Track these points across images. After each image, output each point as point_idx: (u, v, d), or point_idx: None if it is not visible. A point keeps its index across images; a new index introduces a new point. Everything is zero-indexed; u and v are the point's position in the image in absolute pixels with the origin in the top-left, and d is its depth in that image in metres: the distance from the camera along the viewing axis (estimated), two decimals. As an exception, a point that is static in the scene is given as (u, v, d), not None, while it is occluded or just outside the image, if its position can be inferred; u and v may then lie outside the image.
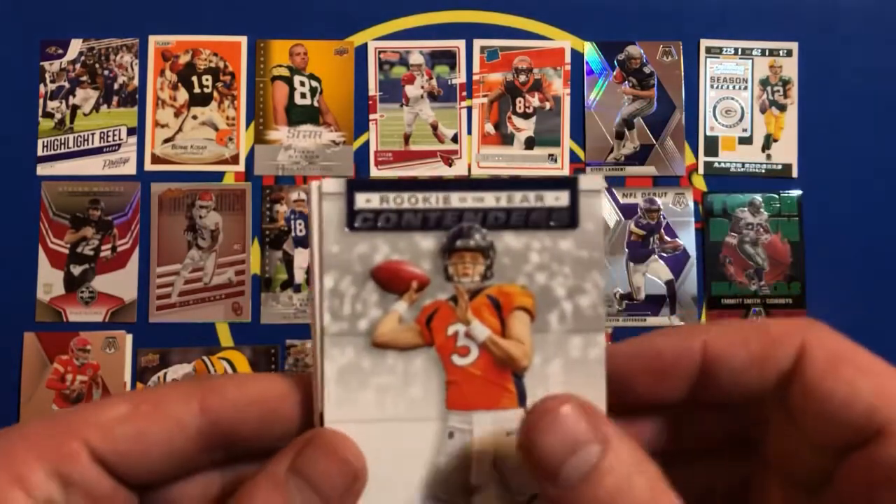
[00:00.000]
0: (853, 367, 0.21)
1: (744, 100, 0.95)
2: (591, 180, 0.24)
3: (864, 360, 0.22)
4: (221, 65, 0.94)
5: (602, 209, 0.24)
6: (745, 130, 0.94)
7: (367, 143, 0.93)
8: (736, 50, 0.95)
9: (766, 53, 0.95)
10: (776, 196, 0.93)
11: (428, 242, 0.23)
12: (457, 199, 0.23)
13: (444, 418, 0.23)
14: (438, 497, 0.23)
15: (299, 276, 0.91)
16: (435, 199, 0.23)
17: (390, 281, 0.23)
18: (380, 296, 0.23)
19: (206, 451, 0.22)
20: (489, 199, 0.23)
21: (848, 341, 0.22)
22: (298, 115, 0.93)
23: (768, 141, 0.94)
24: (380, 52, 0.94)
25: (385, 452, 0.23)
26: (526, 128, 0.94)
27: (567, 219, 0.23)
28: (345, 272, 0.23)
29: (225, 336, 0.90)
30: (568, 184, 0.23)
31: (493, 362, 0.23)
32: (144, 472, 0.21)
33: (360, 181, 0.23)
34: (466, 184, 0.23)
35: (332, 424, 0.22)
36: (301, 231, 0.92)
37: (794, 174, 0.93)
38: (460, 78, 0.94)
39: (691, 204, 0.93)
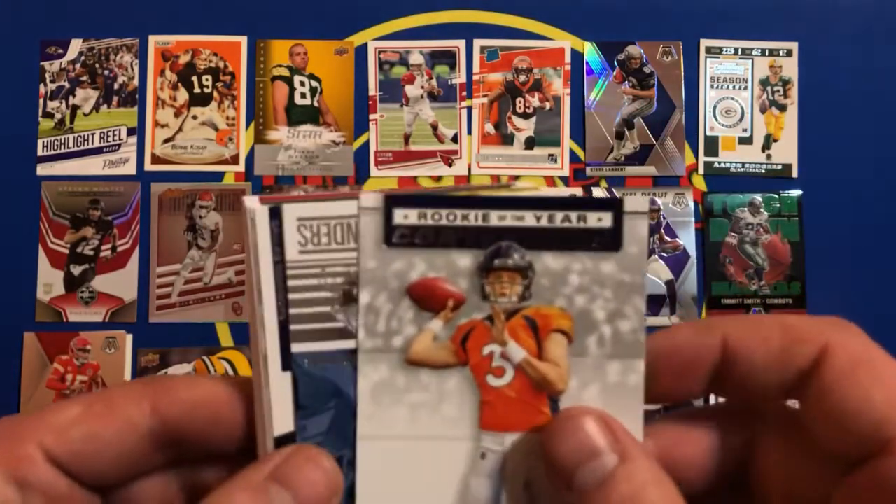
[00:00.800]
0: (871, 373, 0.20)
1: (744, 100, 0.95)
2: (636, 202, 0.23)
3: (885, 367, 0.20)
4: (221, 65, 0.94)
5: (646, 232, 0.23)
6: (745, 130, 0.94)
7: (367, 143, 0.93)
8: (736, 50, 0.95)
9: (766, 53, 0.95)
10: (776, 196, 0.93)
11: (465, 261, 0.23)
12: (496, 218, 0.22)
13: (477, 438, 0.23)
14: None
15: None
16: (474, 217, 0.22)
17: (426, 299, 0.23)
18: (415, 313, 0.23)
19: (158, 450, 0.22)
20: (529, 219, 0.23)
21: (874, 346, 0.21)
22: (298, 115, 0.93)
23: (768, 141, 0.94)
24: (380, 52, 0.94)
25: (416, 470, 0.22)
26: (526, 128, 0.94)
27: (610, 241, 0.23)
28: (381, 288, 0.22)
29: (225, 336, 0.90)
30: (612, 205, 0.23)
31: (528, 384, 0.23)
32: (99, 472, 0.22)
33: (398, 196, 0.22)
34: (506, 201, 0.23)
35: (364, 440, 0.22)
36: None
37: (794, 174, 0.93)
38: (460, 78, 0.94)
39: (691, 204, 0.93)
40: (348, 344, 0.23)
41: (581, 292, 0.23)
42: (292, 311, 0.23)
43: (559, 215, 0.23)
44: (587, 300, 0.23)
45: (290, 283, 0.23)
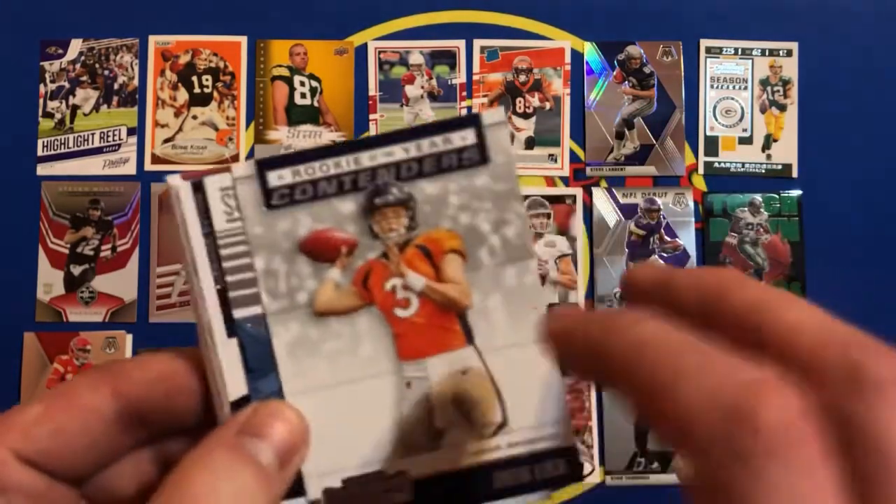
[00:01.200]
0: None
1: (744, 100, 0.95)
2: (492, 114, 0.24)
3: None
4: (221, 65, 0.94)
5: (508, 140, 0.24)
6: (745, 130, 0.94)
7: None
8: (736, 50, 0.95)
9: (766, 53, 0.95)
10: (776, 196, 0.93)
11: (348, 206, 0.23)
12: (367, 159, 0.23)
13: (399, 370, 0.23)
14: (409, 446, 0.23)
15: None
16: (346, 163, 0.23)
17: (319, 251, 0.23)
18: (313, 267, 0.23)
19: (126, 432, 0.23)
20: (398, 152, 0.23)
21: None
22: (298, 115, 0.93)
23: (768, 141, 0.94)
24: (380, 52, 0.94)
25: (349, 414, 0.23)
26: (526, 128, 0.94)
27: (477, 156, 0.24)
28: (273, 251, 0.23)
29: (225, 336, 0.90)
30: (471, 121, 0.24)
31: (435, 308, 0.24)
32: (72, 464, 0.22)
33: (268, 159, 0.23)
34: (373, 141, 0.23)
35: (290, 397, 0.23)
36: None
37: (794, 174, 0.93)
38: (460, 78, 0.94)
39: (691, 204, 0.93)
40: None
41: (463, 210, 0.24)
42: (229, 278, 0.23)
43: (425, 143, 0.23)
44: (470, 216, 0.24)
45: (223, 252, 0.23)
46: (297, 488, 0.23)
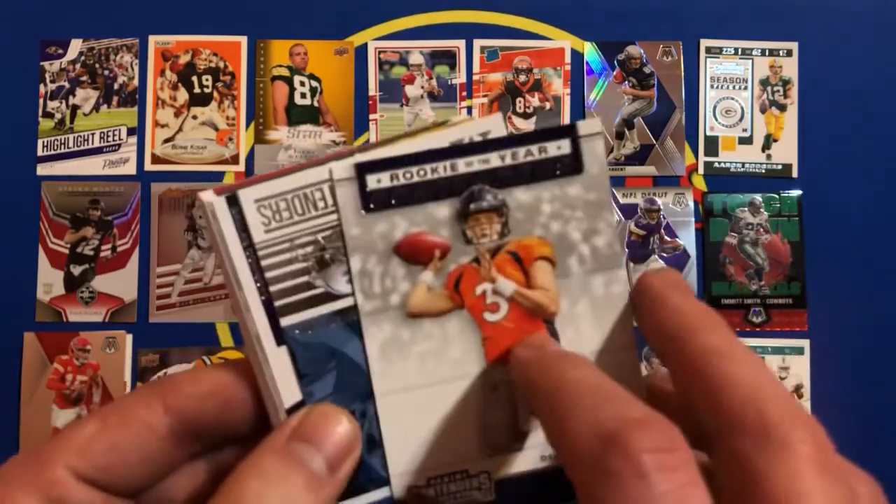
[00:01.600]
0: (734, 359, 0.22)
1: (744, 100, 0.95)
2: (589, 125, 0.24)
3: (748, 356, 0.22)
4: (221, 65, 0.94)
5: (603, 151, 0.24)
6: (745, 130, 0.94)
7: (367, 143, 0.93)
8: (736, 50, 0.95)
9: (766, 53, 0.95)
10: (776, 196, 0.93)
11: (443, 211, 0.23)
12: (463, 165, 0.23)
13: (487, 373, 0.24)
14: (494, 447, 0.24)
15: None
16: (443, 169, 0.23)
17: (413, 254, 0.23)
18: (406, 269, 0.23)
19: (180, 446, 0.23)
20: (494, 160, 0.24)
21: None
22: (298, 115, 0.93)
23: (768, 141, 0.94)
24: (380, 52, 0.94)
25: (436, 414, 0.23)
26: (526, 128, 0.94)
27: (572, 165, 0.24)
28: (369, 252, 0.23)
29: (225, 336, 0.90)
30: (568, 131, 0.24)
31: (523, 313, 0.24)
32: (128, 480, 0.22)
33: (367, 163, 0.23)
34: (470, 148, 0.24)
35: (382, 397, 0.23)
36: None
37: (794, 174, 0.93)
38: (460, 78, 0.94)
39: (691, 204, 0.93)
40: (334, 306, 0.24)
41: (555, 218, 0.24)
42: (272, 288, 0.24)
43: (521, 151, 0.24)
44: (561, 224, 0.24)
45: (264, 262, 0.23)
46: (364, 487, 0.23)
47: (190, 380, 0.24)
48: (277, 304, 0.24)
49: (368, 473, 0.23)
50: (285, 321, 0.23)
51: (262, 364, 0.23)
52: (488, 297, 0.24)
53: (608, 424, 0.18)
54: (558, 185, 0.24)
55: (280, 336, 0.23)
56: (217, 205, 0.23)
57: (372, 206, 0.23)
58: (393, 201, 0.23)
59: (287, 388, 0.23)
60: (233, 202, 0.23)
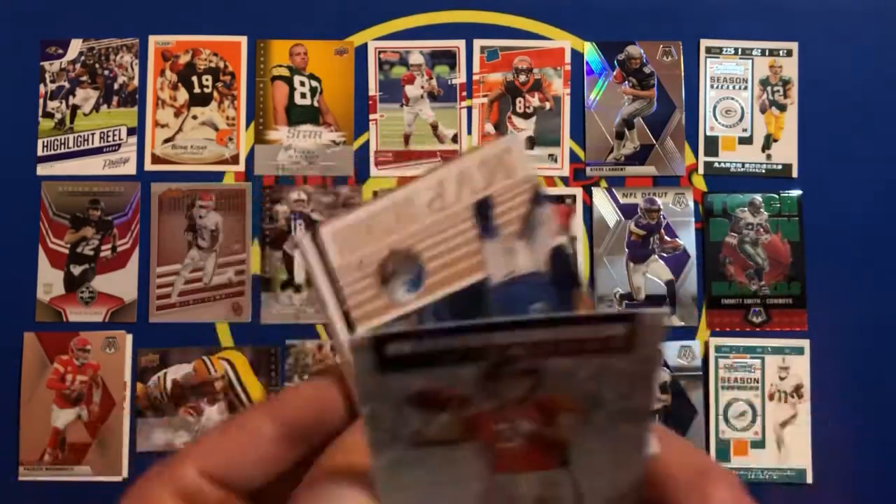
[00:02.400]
0: None
1: (744, 100, 0.95)
2: (655, 316, 0.21)
3: None
4: (221, 65, 0.94)
5: (661, 337, 0.22)
6: (745, 130, 0.94)
7: (367, 143, 0.93)
8: (736, 50, 0.95)
9: (766, 53, 0.95)
10: (776, 196, 0.93)
11: (468, 372, 0.22)
12: (500, 337, 0.22)
13: (492, 480, 0.24)
14: None
15: (299, 276, 0.91)
16: (474, 340, 0.22)
17: (428, 405, 0.23)
18: (422, 414, 0.23)
19: (290, 449, 0.27)
20: (537, 334, 0.22)
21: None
22: (298, 115, 0.93)
23: (768, 141, 0.94)
24: (380, 52, 0.94)
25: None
26: (526, 128, 0.94)
27: (623, 345, 0.22)
28: (383, 404, 0.23)
29: (225, 336, 0.90)
30: (628, 319, 0.22)
31: (539, 443, 0.24)
32: (247, 478, 0.26)
33: (387, 335, 0.22)
34: (511, 324, 0.22)
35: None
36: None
37: (794, 174, 0.93)
38: (460, 78, 0.94)
39: (691, 204, 0.93)
40: (399, 311, 0.28)
41: (590, 380, 0.22)
42: (349, 301, 0.28)
43: (569, 329, 0.22)
44: (596, 385, 0.22)
45: (341, 281, 0.28)
46: None
47: (292, 391, 0.28)
48: (353, 314, 0.27)
49: None
50: (360, 328, 0.27)
51: (350, 367, 0.26)
52: (504, 433, 0.23)
53: None
54: (603, 358, 0.22)
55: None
56: (304, 240, 0.28)
57: (388, 368, 0.22)
58: (412, 364, 0.22)
59: None
60: (315, 237, 0.28)
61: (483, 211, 0.28)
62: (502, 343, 0.22)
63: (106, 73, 0.93)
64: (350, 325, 0.27)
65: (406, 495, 0.25)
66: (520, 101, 0.94)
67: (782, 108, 0.94)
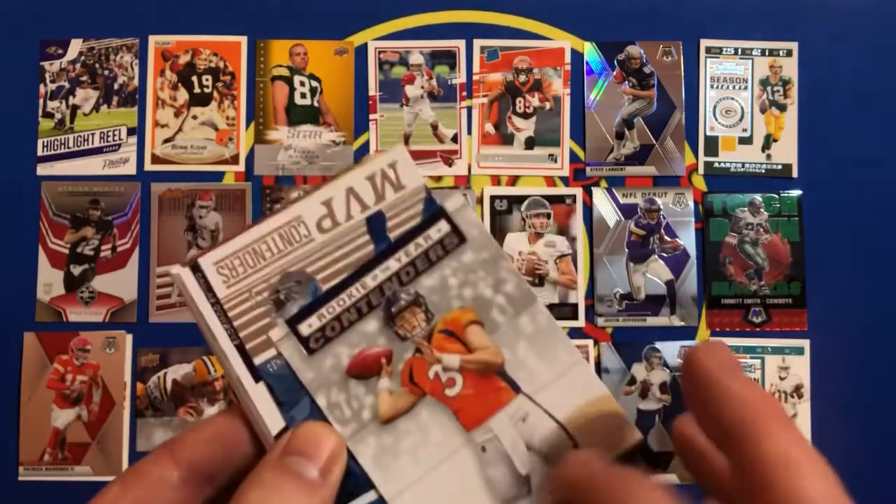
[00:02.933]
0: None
1: (744, 100, 0.95)
2: (453, 200, 0.28)
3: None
4: (221, 65, 0.94)
5: (475, 216, 0.28)
6: (745, 130, 0.94)
7: (367, 143, 0.93)
8: (736, 50, 0.95)
9: (766, 53, 0.95)
10: (776, 196, 0.93)
11: (371, 324, 0.27)
12: (370, 280, 0.27)
13: (471, 440, 0.26)
14: (505, 500, 0.26)
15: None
16: (356, 291, 0.27)
17: (364, 370, 0.26)
18: (365, 385, 0.26)
19: (196, 491, 0.26)
20: (393, 264, 0.27)
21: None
22: (298, 115, 0.93)
23: (768, 141, 0.94)
24: (380, 52, 0.94)
25: (443, 494, 0.26)
26: (526, 128, 0.94)
27: (456, 239, 0.27)
28: (329, 387, 0.26)
29: (225, 336, 0.90)
30: (439, 214, 0.27)
31: (477, 376, 0.27)
32: None
33: (294, 316, 0.26)
34: (370, 264, 0.27)
35: (393, 500, 0.26)
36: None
37: (794, 174, 0.93)
38: (460, 78, 0.94)
39: (691, 204, 0.93)
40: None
41: (464, 286, 0.27)
42: (242, 333, 0.27)
43: (411, 247, 0.27)
44: (472, 288, 0.27)
45: (230, 313, 0.27)
46: (354, 493, 0.25)
47: (193, 431, 0.27)
48: (248, 346, 0.27)
49: (356, 480, 0.26)
50: (258, 360, 0.26)
51: (247, 401, 0.26)
52: (442, 377, 0.27)
53: None
54: (453, 258, 0.27)
55: (256, 373, 0.26)
56: (184, 274, 0.27)
57: (313, 347, 0.26)
58: (328, 335, 0.26)
59: (271, 418, 0.26)
60: (195, 269, 0.27)
61: (376, 225, 0.28)
62: (376, 284, 0.27)
63: (106, 73, 0.93)
64: (246, 358, 0.27)
65: (407, 491, 0.26)
66: (520, 101, 0.94)
67: (782, 108, 0.94)
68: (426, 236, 0.27)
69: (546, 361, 0.27)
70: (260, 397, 0.26)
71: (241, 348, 0.27)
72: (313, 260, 0.27)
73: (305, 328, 0.26)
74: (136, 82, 0.93)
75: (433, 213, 0.27)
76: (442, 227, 0.27)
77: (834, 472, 0.21)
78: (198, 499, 0.26)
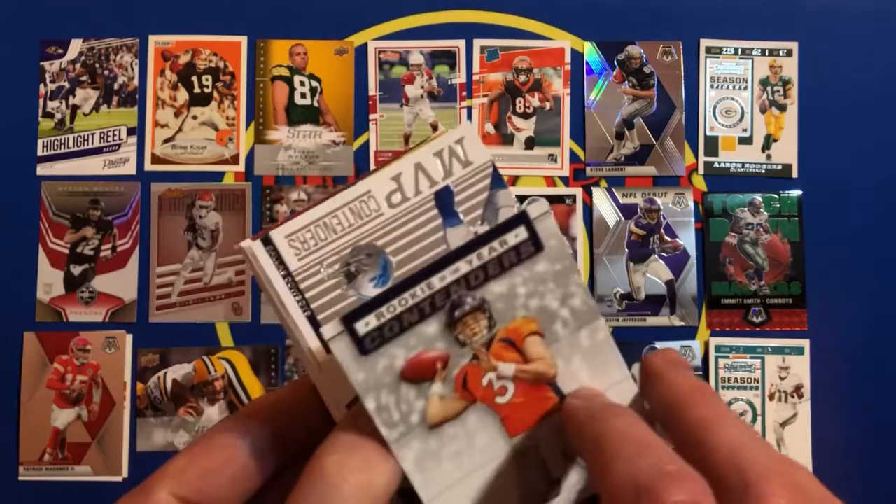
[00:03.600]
0: None
1: (744, 100, 0.95)
2: (537, 207, 0.27)
3: None
4: (221, 65, 0.94)
5: (556, 226, 0.27)
6: (745, 130, 0.94)
7: (367, 143, 0.93)
8: (736, 50, 0.95)
9: (766, 53, 0.95)
10: (776, 196, 0.93)
11: (432, 327, 0.26)
12: (438, 281, 0.26)
13: (514, 446, 0.27)
14: (534, 498, 0.27)
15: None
16: (420, 291, 0.26)
17: (418, 374, 0.26)
18: (416, 389, 0.26)
19: (264, 460, 0.26)
20: (463, 266, 0.26)
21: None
22: (298, 115, 0.93)
23: (768, 141, 0.94)
24: (380, 52, 0.94)
25: (483, 496, 0.26)
26: (526, 128, 0.94)
27: (532, 247, 0.27)
28: (379, 389, 0.26)
29: (225, 336, 0.90)
30: (520, 219, 0.27)
31: (529, 386, 0.27)
32: (222, 499, 0.26)
33: (352, 313, 0.25)
34: (440, 263, 0.26)
35: (431, 502, 0.26)
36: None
37: (794, 174, 0.93)
38: (460, 78, 0.94)
39: (691, 204, 0.93)
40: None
41: (531, 296, 0.27)
42: (313, 305, 0.27)
43: (485, 250, 0.26)
44: (539, 299, 0.27)
45: (302, 285, 0.27)
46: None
47: (262, 399, 0.27)
48: (320, 317, 0.27)
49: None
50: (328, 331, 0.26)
51: (318, 371, 0.26)
52: (495, 385, 0.27)
53: (644, 476, 0.20)
54: (526, 267, 0.27)
55: (327, 345, 0.26)
56: (255, 247, 0.27)
57: (368, 347, 0.25)
58: (385, 336, 0.26)
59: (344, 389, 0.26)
60: (267, 242, 0.27)
61: (444, 200, 0.28)
62: (443, 286, 0.26)
63: (106, 73, 0.93)
64: (316, 329, 0.27)
65: (446, 493, 0.26)
66: (520, 101, 0.94)
67: (782, 108, 0.94)
68: (502, 241, 0.26)
69: (596, 376, 0.27)
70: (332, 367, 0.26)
71: (312, 319, 0.27)
72: (383, 234, 0.28)
73: (362, 326, 0.26)
74: (136, 82, 0.93)
75: (514, 219, 0.27)
76: (520, 234, 0.26)
77: (751, 428, 0.23)
78: (268, 470, 0.26)
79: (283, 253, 0.27)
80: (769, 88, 0.95)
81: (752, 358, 0.90)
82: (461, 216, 0.28)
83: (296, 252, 0.27)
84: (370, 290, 0.27)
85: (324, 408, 0.27)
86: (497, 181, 0.29)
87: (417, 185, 0.28)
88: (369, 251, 0.27)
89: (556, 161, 0.93)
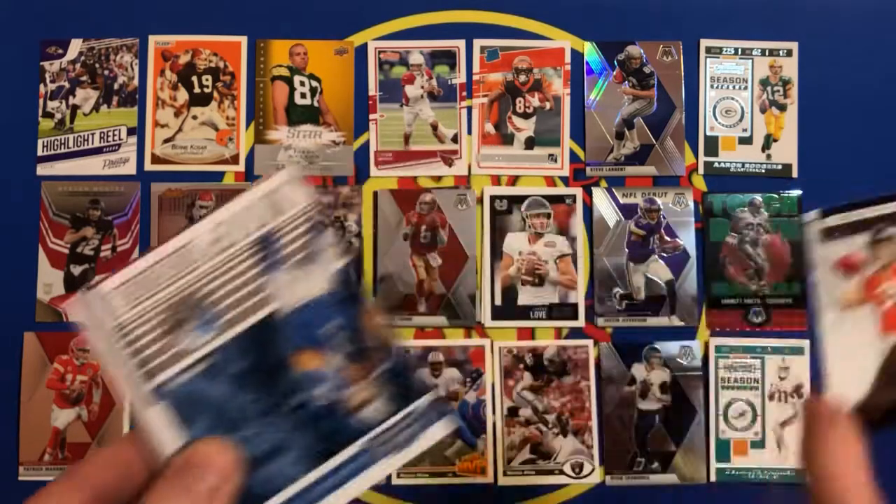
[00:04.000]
0: None
1: (744, 100, 0.95)
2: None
3: None
4: (221, 65, 0.94)
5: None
6: (745, 130, 0.94)
7: (367, 143, 0.93)
8: (736, 50, 0.95)
9: (766, 53, 0.95)
10: (776, 196, 0.93)
11: (862, 238, 0.37)
12: (891, 207, 0.37)
13: (881, 341, 0.35)
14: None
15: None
16: (878, 210, 0.37)
17: (846, 269, 0.35)
18: (842, 278, 0.35)
19: None
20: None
21: None
22: (298, 115, 0.93)
23: (768, 141, 0.94)
24: (380, 52, 0.94)
25: (855, 367, 0.37)
26: (526, 128, 0.94)
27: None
28: (823, 267, 0.36)
29: (225, 336, 0.90)
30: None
31: None
32: None
33: (828, 209, 0.37)
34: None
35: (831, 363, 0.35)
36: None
37: (794, 174, 0.93)
38: (460, 78, 0.94)
39: (691, 204, 0.93)
40: (192, 358, 0.28)
41: None
42: (140, 356, 0.28)
43: None
44: None
45: (128, 337, 0.28)
46: (266, 495, 0.27)
47: (94, 455, 0.27)
48: (146, 368, 0.27)
49: (271, 479, 0.27)
50: (156, 380, 0.27)
51: (145, 422, 0.27)
52: (887, 293, 0.35)
53: None
54: None
55: (155, 394, 0.27)
56: (83, 300, 0.28)
57: (829, 236, 0.36)
58: (836, 234, 0.36)
59: (170, 437, 0.27)
60: (94, 295, 0.28)
61: (267, 244, 0.29)
62: (884, 213, 0.38)
63: (106, 73, 0.94)
64: (144, 380, 0.27)
65: (844, 348, 0.35)
66: (520, 101, 0.94)
67: (782, 108, 0.95)
68: None
69: None
70: (158, 417, 0.27)
71: (140, 370, 0.27)
72: (206, 281, 0.28)
73: (830, 220, 0.38)
74: (136, 82, 0.93)
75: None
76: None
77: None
78: None
79: (110, 305, 0.28)
80: (769, 88, 0.95)
81: (752, 358, 0.90)
82: (283, 260, 0.29)
83: (121, 304, 0.28)
84: (194, 340, 0.28)
85: (154, 458, 0.27)
86: (320, 224, 0.29)
87: (242, 230, 0.29)
88: (192, 300, 0.28)
89: (556, 161, 0.93)
